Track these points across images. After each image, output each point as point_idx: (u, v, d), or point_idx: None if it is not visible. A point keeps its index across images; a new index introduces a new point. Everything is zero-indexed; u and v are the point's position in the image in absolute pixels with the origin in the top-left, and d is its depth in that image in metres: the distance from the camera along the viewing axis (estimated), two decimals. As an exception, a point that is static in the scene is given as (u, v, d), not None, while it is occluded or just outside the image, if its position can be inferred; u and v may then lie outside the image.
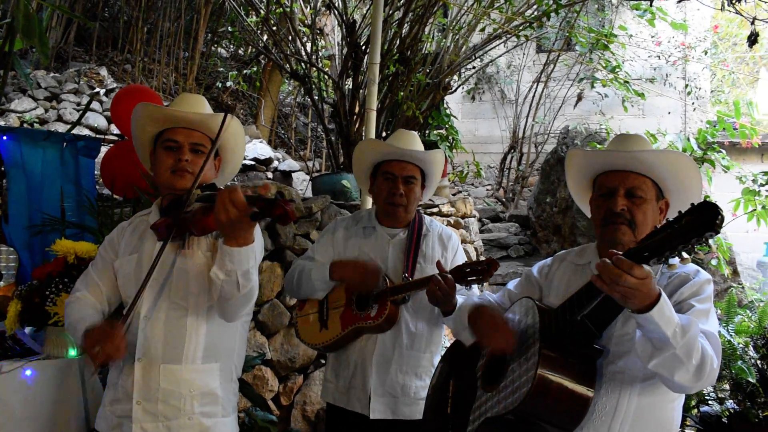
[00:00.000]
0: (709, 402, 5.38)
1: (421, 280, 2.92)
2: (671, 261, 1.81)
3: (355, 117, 6.67)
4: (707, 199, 1.78)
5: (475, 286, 2.87)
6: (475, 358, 2.48)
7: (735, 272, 7.85)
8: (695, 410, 5.37)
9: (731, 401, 5.27)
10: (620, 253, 1.83)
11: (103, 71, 8.87)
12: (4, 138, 3.87)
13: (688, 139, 7.14)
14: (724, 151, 7.06)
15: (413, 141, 3.20)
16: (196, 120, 2.42)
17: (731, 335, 5.39)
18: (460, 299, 2.84)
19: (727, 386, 5.41)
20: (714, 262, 7.11)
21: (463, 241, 6.85)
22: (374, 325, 2.96)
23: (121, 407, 2.34)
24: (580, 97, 10.80)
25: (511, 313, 2.37)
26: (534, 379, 2.00)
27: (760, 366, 5.18)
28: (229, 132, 2.48)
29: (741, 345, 5.30)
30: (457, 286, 2.83)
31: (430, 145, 7.25)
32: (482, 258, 2.96)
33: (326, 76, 7.47)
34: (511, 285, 2.59)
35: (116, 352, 2.13)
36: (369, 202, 4.86)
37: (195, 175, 2.34)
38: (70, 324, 2.40)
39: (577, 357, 2.07)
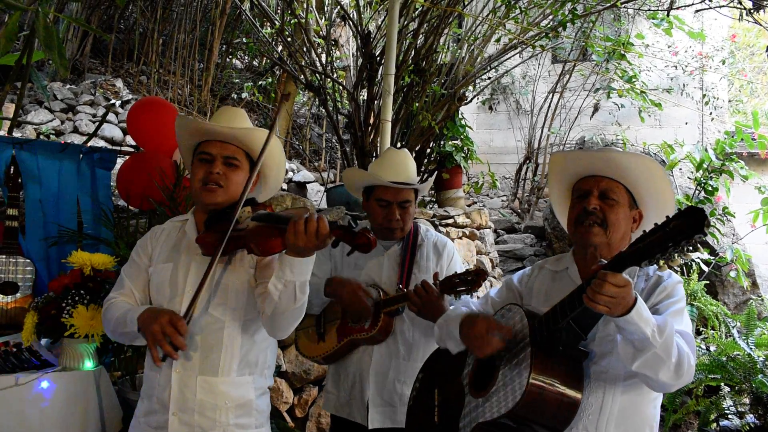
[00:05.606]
0: (729, 416, 5.32)
1: (409, 292, 2.94)
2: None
3: (369, 128, 6.67)
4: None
5: (464, 297, 2.89)
6: (459, 367, 2.54)
7: (754, 284, 7.78)
8: (714, 424, 5.31)
9: (751, 415, 5.21)
10: (604, 261, 1.96)
11: (119, 83, 8.92)
12: (21, 150, 3.88)
13: (706, 150, 7.10)
14: (742, 162, 7.01)
15: (403, 165, 3.20)
16: (227, 134, 2.45)
17: (751, 348, 5.34)
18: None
19: (747, 400, 5.35)
20: (733, 274, 7.05)
21: (479, 252, 6.82)
22: (368, 336, 3.01)
23: (156, 418, 2.38)
24: (596, 108, 10.76)
25: (499, 317, 2.42)
26: (527, 383, 2.07)
27: (781, 380, 5.11)
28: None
29: (761, 358, 5.24)
30: (448, 296, 2.86)
31: (443, 156, 7.24)
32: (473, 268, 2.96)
33: (341, 87, 7.48)
34: (493, 293, 2.66)
35: (183, 348, 2.19)
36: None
37: (225, 190, 2.41)
38: (117, 320, 2.39)
39: (566, 360, 2.16)
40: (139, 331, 2.27)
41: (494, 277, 7.11)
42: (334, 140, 10.50)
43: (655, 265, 1.89)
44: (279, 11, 8.31)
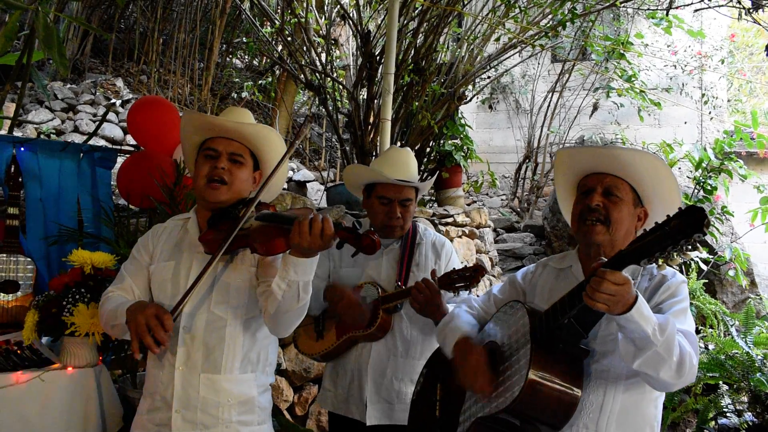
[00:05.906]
0: (727, 414, 5.34)
1: (408, 288, 2.96)
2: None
3: (369, 127, 6.68)
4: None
5: (463, 293, 2.91)
6: None
7: (753, 283, 7.79)
8: (713, 422, 5.32)
9: (749, 413, 5.23)
10: (604, 260, 1.95)
11: (119, 82, 8.93)
12: (22, 149, 3.89)
13: (705, 149, 7.11)
14: (741, 161, 7.02)
15: (405, 163, 3.23)
16: (232, 128, 2.47)
17: (749, 347, 5.35)
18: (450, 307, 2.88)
19: (745, 398, 5.37)
20: (731, 273, 7.06)
21: (478, 251, 6.83)
22: (367, 333, 3.04)
23: (159, 415, 2.39)
24: (595, 107, 10.76)
25: (501, 314, 2.44)
26: (525, 379, 2.08)
27: (779, 378, 5.12)
28: (269, 145, 2.54)
29: (759, 357, 5.25)
30: (446, 293, 2.88)
31: (443, 155, 7.25)
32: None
33: (341, 86, 7.49)
34: (496, 289, 2.67)
35: (164, 342, 2.18)
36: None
37: (229, 187, 2.43)
38: (109, 313, 2.41)
39: (566, 357, 2.16)
40: (126, 323, 2.27)
41: (494, 276, 7.12)
42: (333, 139, 10.50)
43: (654, 264, 1.89)
44: (279, 10, 8.31)
